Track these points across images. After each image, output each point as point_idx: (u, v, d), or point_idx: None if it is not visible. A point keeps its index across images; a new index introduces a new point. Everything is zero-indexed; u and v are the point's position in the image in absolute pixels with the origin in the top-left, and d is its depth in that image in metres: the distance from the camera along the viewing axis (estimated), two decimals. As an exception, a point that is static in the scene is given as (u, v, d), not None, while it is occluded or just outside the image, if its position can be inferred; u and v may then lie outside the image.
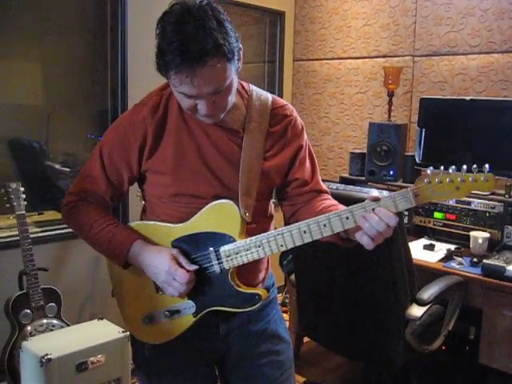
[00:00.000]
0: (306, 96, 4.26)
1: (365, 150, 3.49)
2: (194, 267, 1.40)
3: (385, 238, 1.30)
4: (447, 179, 1.22)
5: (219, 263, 1.40)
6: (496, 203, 2.90)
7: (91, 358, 2.26)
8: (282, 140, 1.50)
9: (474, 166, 1.21)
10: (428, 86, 3.58)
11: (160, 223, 1.47)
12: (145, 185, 1.50)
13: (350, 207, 1.29)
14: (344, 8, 3.98)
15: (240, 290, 1.42)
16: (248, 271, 1.47)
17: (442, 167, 1.23)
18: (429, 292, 2.35)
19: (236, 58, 1.30)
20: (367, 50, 3.88)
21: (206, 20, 1.22)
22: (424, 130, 3.21)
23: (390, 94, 3.46)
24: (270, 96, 1.53)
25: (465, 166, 1.22)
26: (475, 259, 2.70)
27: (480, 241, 2.81)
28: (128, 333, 2.39)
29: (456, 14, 3.41)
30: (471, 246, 2.84)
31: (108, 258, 1.52)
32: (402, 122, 3.62)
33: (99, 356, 2.29)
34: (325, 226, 1.30)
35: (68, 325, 2.70)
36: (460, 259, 2.75)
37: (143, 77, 3.21)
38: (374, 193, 1.29)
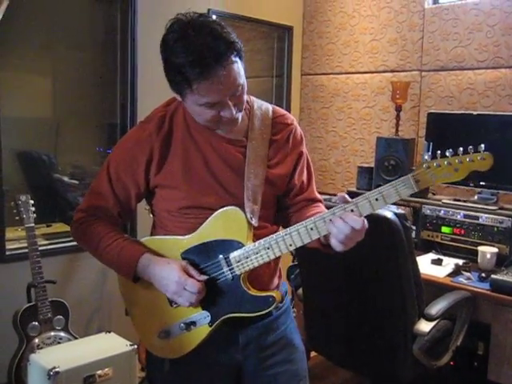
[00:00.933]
0: (314, 110, 4.28)
1: (372, 165, 3.50)
2: (203, 277, 1.41)
3: (356, 242, 1.34)
4: (445, 162, 1.26)
5: (230, 270, 1.42)
6: (504, 218, 2.89)
7: (99, 371, 2.26)
8: (284, 148, 1.54)
9: (470, 147, 1.26)
10: (435, 101, 3.58)
11: (168, 237, 1.49)
12: (154, 200, 1.52)
13: (354, 200, 1.34)
14: (351, 23, 4.01)
15: (253, 294, 1.42)
16: (261, 279, 1.48)
17: (438, 151, 1.27)
18: (437, 307, 2.34)
19: (242, 55, 1.35)
20: (375, 65, 3.90)
21: (209, 26, 1.28)
22: (432, 144, 3.21)
23: (398, 109, 3.46)
24: (270, 106, 1.58)
25: (461, 148, 1.26)
26: (483, 274, 2.68)
27: (488, 256, 2.79)
28: (136, 346, 2.39)
29: (463, 30, 3.43)
30: (479, 260, 2.83)
31: (117, 272, 1.53)
32: (409, 136, 3.62)
33: (107, 369, 2.29)
34: (331, 220, 1.33)
35: (75, 338, 2.71)
36: (468, 274, 2.74)
37: (152, 91, 3.25)
38: (342, 194, 1.35)
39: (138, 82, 3.26)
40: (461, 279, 2.69)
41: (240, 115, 1.41)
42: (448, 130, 3.22)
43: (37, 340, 2.61)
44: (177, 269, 1.39)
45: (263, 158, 1.48)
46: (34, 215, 2.71)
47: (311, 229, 1.35)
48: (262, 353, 1.55)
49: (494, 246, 2.88)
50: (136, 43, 3.24)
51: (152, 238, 1.53)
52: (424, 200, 3.20)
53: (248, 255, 1.39)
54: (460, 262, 2.90)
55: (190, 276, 1.39)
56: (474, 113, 3.18)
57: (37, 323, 2.62)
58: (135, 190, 1.49)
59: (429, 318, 2.32)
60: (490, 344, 2.60)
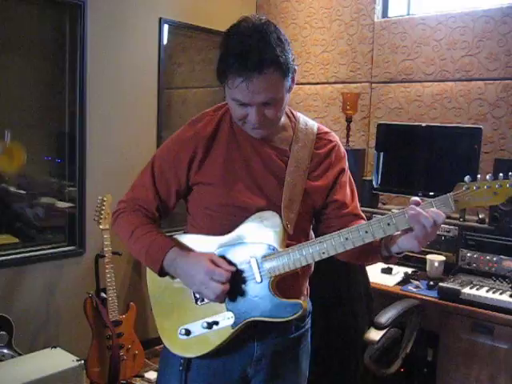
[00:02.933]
0: (267, 120, 4.29)
1: (324, 174, 3.52)
2: (232, 268, 1.41)
3: (429, 241, 1.34)
4: (485, 186, 1.29)
5: (260, 272, 1.41)
6: (451, 227, 2.96)
7: (43, 389, 2.19)
8: (326, 162, 1.57)
9: (510, 173, 1.28)
10: (385, 112, 3.66)
11: (203, 235, 1.51)
12: (191, 197, 1.56)
13: (391, 213, 1.34)
14: (303, 35, 4.06)
15: (281, 299, 1.42)
16: (290, 290, 1.47)
17: (479, 176, 1.30)
18: (386, 316, 2.36)
19: (290, 75, 1.39)
20: (326, 76, 3.95)
21: (268, 35, 1.34)
22: (381, 154, 3.27)
23: (348, 120, 3.52)
24: (315, 123, 1.62)
25: (501, 174, 1.29)
26: (431, 282, 2.74)
27: (436, 264, 2.86)
28: (82, 361, 2.33)
29: (411, 43, 3.52)
30: (428, 269, 2.89)
31: (145, 264, 1.52)
32: (359, 146, 3.68)
33: (52, 386, 2.22)
34: (366, 232, 1.34)
35: (20, 354, 2.61)
36: (417, 282, 2.79)
37: (103, 99, 3.20)
38: (415, 197, 1.34)
39: (87, 91, 3.20)
40: (410, 287, 2.74)
41: (260, 132, 1.45)
42: (397, 141, 3.29)
43: (-22, 357, 2.51)
44: (205, 259, 1.40)
45: (304, 170, 1.51)
46: (-23, 227, 2.61)
47: (346, 238, 1.36)
48: (272, 371, 1.54)
49: (441, 254, 2.95)
50: (86, 50, 3.18)
51: (187, 235, 1.54)
52: (374, 210, 3.25)
53: (279, 260, 1.40)
54: (409, 270, 2.95)
55: (218, 266, 1.40)
56: (423, 124, 3.26)
57: (-22, 340, 2.52)
58: (176, 187, 1.53)
59: (379, 327, 2.34)
60: (438, 350, 2.65)
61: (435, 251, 2.98)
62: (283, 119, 1.52)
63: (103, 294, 3.04)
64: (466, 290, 2.55)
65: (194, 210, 1.57)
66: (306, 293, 1.63)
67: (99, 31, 3.20)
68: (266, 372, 1.53)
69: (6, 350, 2.59)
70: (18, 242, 3.11)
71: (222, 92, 4.57)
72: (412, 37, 3.52)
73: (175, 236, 1.54)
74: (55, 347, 2.45)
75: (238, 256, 1.44)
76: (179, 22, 3.69)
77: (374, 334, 2.35)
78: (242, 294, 1.43)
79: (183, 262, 1.43)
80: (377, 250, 1.45)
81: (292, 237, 1.45)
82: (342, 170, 1.60)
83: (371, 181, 3.34)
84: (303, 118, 1.61)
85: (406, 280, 2.85)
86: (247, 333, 1.46)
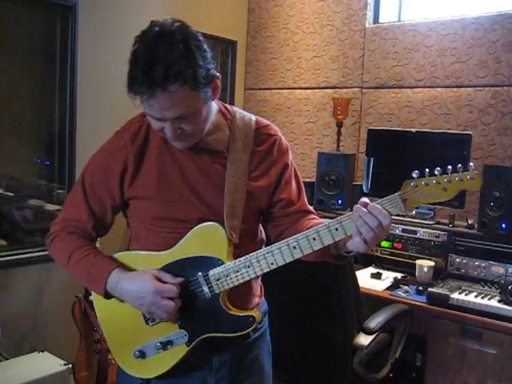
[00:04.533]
0: (257, 124, 4.29)
1: (314, 179, 3.54)
2: (179, 279, 1.36)
3: (378, 242, 1.27)
4: (434, 181, 1.22)
5: (209, 288, 1.37)
6: (440, 232, 2.97)
7: (30, 393, 2.17)
8: (267, 160, 1.48)
9: (459, 165, 1.21)
10: (375, 118, 3.67)
11: (144, 252, 1.44)
12: (129, 211, 1.48)
13: (339, 218, 1.27)
14: (295, 40, 4.07)
15: (233, 313, 1.38)
16: (241, 297, 1.44)
17: (427, 169, 1.23)
18: (376, 320, 2.37)
19: (205, 86, 1.27)
20: (317, 81, 3.96)
21: (174, 45, 1.22)
22: (372, 160, 3.28)
23: (339, 125, 3.53)
24: (253, 116, 1.52)
25: (450, 166, 1.22)
26: (421, 287, 2.75)
27: (425, 269, 2.87)
28: (70, 365, 2.31)
29: (402, 49, 3.54)
30: (417, 274, 2.90)
31: (90, 289, 1.49)
32: (350, 151, 3.69)
33: (38, 391, 2.20)
34: (314, 239, 1.28)
35: (6, 358, 2.59)
36: (406, 287, 2.80)
37: (93, 102, 3.19)
38: (364, 199, 1.27)
39: (77, 93, 3.18)
40: (399, 292, 2.75)
41: (182, 144, 1.36)
42: (388, 146, 3.31)
43: (-37, 361, 2.48)
44: (150, 278, 1.34)
45: (244, 171, 1.42)
46: (-36, 229, 2.58)
47: (294, 247, 1.29)
48: (233, 377, 1.50)
49: (430, 259, 2.96)
50: (76, 52, 3.16)
51: (126, 253, 1.47)
52: (364, 214, 3.25)
53: (228, 273, 1.34)
54: (398, 275, 2.96)
55: (165, 283, 1.34)
56: (413, 130, 3.28)
57: (-36, 343, 2.49)
58: (110, 203, 1.45)
59: (368, 332, 2.34)
60: (426, 355, 2.66)
61: (424, 256, 2.99)
62: (217, 118, 1.43)
63: (91, 298, 3.02)
64: (455, 296, 2.56)
65: (134, 225, 1.49)
66: (259, 293, 1.58)
67: (90, 33, 3.18)
68: (227, 380, 1.49)
69: (-8, 354, 2.57)
70: (5, 245, 3.08)
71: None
72: (403, 43, 3.53)
73: (115, 255, 1.47)
74: (42, 351, 2.43)
75: (185, 272, 1.38)
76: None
77: (364, 339, 2.35)
78: (194, 310, 1.38)
79: (128, 284, 1.37)
80: (326, 250, 1.35)
81: (239, 244, 1.38)
82: (286, 166, 1.51)
83: (361, 186, 3.34)
84: (240, 114, 1.50)
85: (395, 285, 2.86)
86: (203, 346, 1.41)
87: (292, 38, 4.08)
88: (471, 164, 1.21)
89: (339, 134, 3.54)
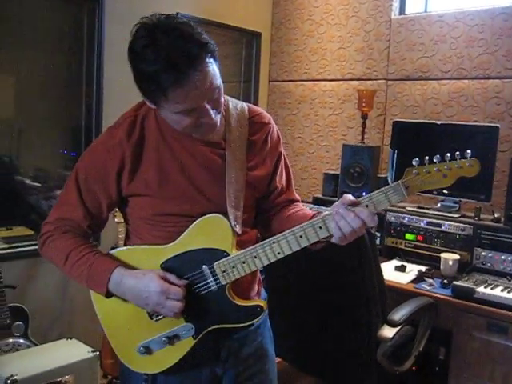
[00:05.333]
0: (281, 117, 4.30)
1: (338, 171, 3.53)
2: (184, 281, 1.35)
3: (353, 238, 1.30)
4: (434, 168, 1.26)
5: (215, 280, 1.36)
6: (466, 225, 2.95)
7: (60, 379, 2.21)
8: (263, 149, 1.49)
9: (457, 152, 1.25)
10: (401, 110, 3.64)
11: (146, 246, 1.41)
12: (127, 208, 1.45)
13: (322, 215, 1.30)
14: (319, 31, 4.05)
15: (240, 304, 1.38)
16: (243, 286, 1.44)
17: (427, 157, 1.27)
18: (400, 313, 2.36)
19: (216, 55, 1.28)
20: (342, 73, 3.94)
21: (178, 28, 1.21)
22: (396, 152, 3.26)
23: (364, 117, 3.51)
24: (245, 105, 1.52)
25: (448, 154, 1.26)
26: (445, 281, 2.73)
27: (450, 262, 2.85)
28: (98, 352, 2.35)
29: (428, 41, 3.50)
30: (441, 267, 2.88)
31: (89, 289, 1.44)
32: (374, 144, 3.67)
33: (67, 376, 2.24)
34: (320, 228, 1.29)
35: (35, 344, 2.64)
36: (431, 280, 2.78)
37: (119, 93, 3.21)
38: (349, 196, 1.29)
39: (103, 85, 3.22)
40: (423, 285, 2.73)
41: (219, 118, 1.34)
42: (412, 139, 3.28)
43: (-6, 347, 2.54)
44: (156, 278, 1.32)
45: (243, 161, 1.42)
46: (-5, 218, 2.64)
47: (300, 236, 1.30)
48: (240, 365, 1.51)
49: (455, 253, 2.93)
50: (103, 45, 3.20)
51: (127, 249, 1.44)
52: (388, 207, 3.24)
53: (234, 264, 1.34)
54: (423, 268, 2.95)
55: (171, 283, 1.33)
56: (438, 122, 3.25)
57: (-5, 329, 2.55)
58: (107, 201, 1.42)
59: (392, 324, 2.34)
60: (451, 349, 2.65)
61: (449, 250, 2.97)
62: None
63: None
64: (481, 289, 2.54)
65: (133, 221, 1.46)
66: (259, 281, 1.58)
67: (117, 25, 3.21)
68: (235, 368, 1.50)
69: (22, 340, 2.62)
70: (32, 234, 3.14)
71: (238, 87, 4.55)
72: (429, 34, 3.49)
73: (115, 251, 1.43)
74: (71, 338, 2.47)
75: (189, 265, 1.36)
76: (196, 17, 3.69)
77: (388, 331, 2.34)
78: (200, 303, 1.37)
79: (132, 283, 1.34)
80: None
81: (241, 233, 1.39)
82: (280, 155, 1.54)
83: (386, 178, 3.32)
84: (232, 103, 1.49)
85: (419, 278, 2.84)
86: (209, 338, 1.41)
87: (317, 29, 4.06)
88: (468, 151, 1.26)
89: (364, 126, 3.51)
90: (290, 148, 4.25)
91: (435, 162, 1.26)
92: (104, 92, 3.23)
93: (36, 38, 3.14)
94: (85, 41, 3.25)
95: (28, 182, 3.26)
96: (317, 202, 3.50)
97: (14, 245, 3.02)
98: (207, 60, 1.22)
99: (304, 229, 1.30)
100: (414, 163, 1.27)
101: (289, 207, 1.54)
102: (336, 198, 3.50)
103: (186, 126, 1.31)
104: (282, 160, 1.56)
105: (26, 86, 3.19)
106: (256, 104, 4.29)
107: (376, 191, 1.28)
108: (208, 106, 1.27)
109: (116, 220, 3.05)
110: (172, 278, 1.35)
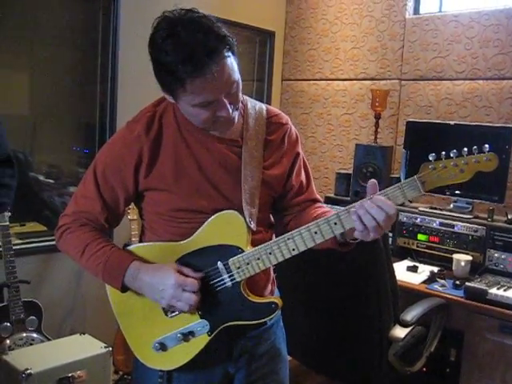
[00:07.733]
0: (294, 116, 4.29)
1: (351, 171, 3.52)
2: (199, 274, 1.36)
3: (382, 232, 1.27)
4: (451, 163, 1.23)
5: (230, 276, 1.36)
6: (479, 227, 2.93)
7: (72, 374, 2.23)
8: (280, 149, 1.50)
9: (475, 147, 1.23)
10: (414, 110, 3.63)
11: (161, 243, 1.42)
12: (143, 203, 1.46)
13: (337, 212, 1.29)
14: (333, 30, 4.04)
15: (255, 300, 1.38)
16: (257, 285, 1.44)
17: (443, 152, 1.24)
18: (412, 313, 2.36)
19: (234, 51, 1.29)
20: (355, 73, 3.94)
21: (198, 21, 1.23)
22: (409, 152, 3.25)
23: (377, 117, 3.50)
24: (263, 105, 1.53)
25: (465, 149, 1.24)
26: (458, 282, 2.72)
27: (463, 263, 2.84)
28: (110, 348, 2.37)
29: (442, 41, 3.48)
30: (454, 268, 2.87)
31: (105, 282, 1.44)
32: (387, 144, 3.66)
33: (80, 371, 2.26)
34: (335, 224, 1.28)
35: (48, 339, 2.66)
36: (443, 281, 2.78)
37: (133, 91, 3.23)
38: (374, 182, 1.28)
39: (118, 82, 3.23)
40: (436, 286, 2.73)
41: (236, 114, 1.36)
42: (426, 139, 3.26)
43: (8, 341, 2.55)
44: (172, 271, 1.33)
45: (259, 159, 1.43)
46: (9, 214, 2.66)
47: (315, 232, 1.29)
48: (252, 365, 1.51)
49: (468, 254, 2.92)
50: (117, 42, 3.21)
51: (143, 245, 1.45)
52: (401, 207, 3.23)
53: (249, 261, 1.34)
54: (435, 269, 2.93)
55: (186, 276, 1.33)
56: (452, 123, 3.23)
57: (9, 324, 2.57)
58: (124, 194, 1.43)
59: (404, 324, 2.34)
60: (462, 351, 2.64)
61: (462, 251, 2.96)
62: None
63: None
64: (493, 291, 2.53)
65: (148, 217, 1.47)
66: (273, 280, 1.58)
67: (131, 23, 3.22)
68: (247, 368, 1.51)
69: (35, 335, 2.64)
70: (46, 230, 3.16)
71: (251, 86, 4.54)
72: (444, 34, 3.48)
73: (132, 247, 1.45)
74: (83, 333, 2.49)
75: (204, 261, 1.37)
76: (209, 15, 3.70)
77: (399, 332, 2.35)
78: (215, 299, 1.37)
79: (148, 277, 1.35)
80: (333, 237, 1.34)
81: (255, 231, 1.39)
82: (297, 155, 1.54)
83: (399, 178, 3.32)
84: (251, 102, 1.51)
85: (431, 279, 2.84)
86: (223, 335, 1.41)
87: (330, 28, 4.05)
88: (486, 146, 1.23)
89: (377, 125, 3.51)
90: (303, 147, 4.23)
91: (452, 157, 1.24)
92: (118, 89, 3.24)
93: (51, 35, 3.16)
94: (99, 38, 3.27)
95: (41, 178, 3.28)
96: (329, 201, 3.49)
97: (27, 240, 3.04)
98: (225, 53, 1.24)
99: (319, 225, 1.30)
100: (430, 158, 1.25)
101: (312, 207, 1.54)
102: (348, 198, 3.50)
103: (203, 120, 1.32)
104: (300, 160, 1.56)
105: (41, 83, 3.22)
106: (269, 103, 4.29)
107: (391, 187, 1.27)
108: (226, 101, 1.28)
109: (129, 217, 3.07)
110: (187, 271, 1.36)
